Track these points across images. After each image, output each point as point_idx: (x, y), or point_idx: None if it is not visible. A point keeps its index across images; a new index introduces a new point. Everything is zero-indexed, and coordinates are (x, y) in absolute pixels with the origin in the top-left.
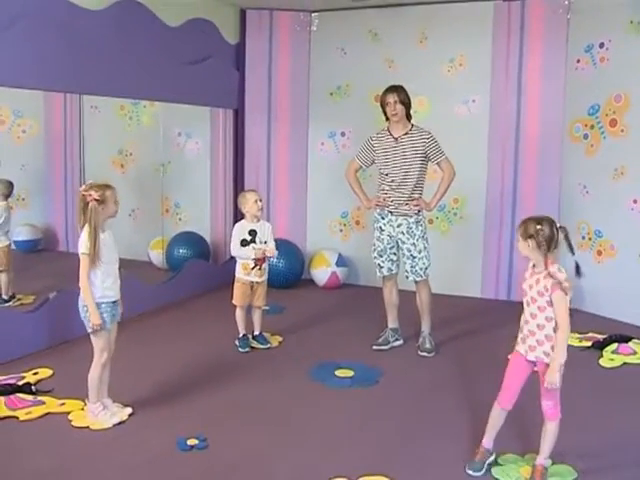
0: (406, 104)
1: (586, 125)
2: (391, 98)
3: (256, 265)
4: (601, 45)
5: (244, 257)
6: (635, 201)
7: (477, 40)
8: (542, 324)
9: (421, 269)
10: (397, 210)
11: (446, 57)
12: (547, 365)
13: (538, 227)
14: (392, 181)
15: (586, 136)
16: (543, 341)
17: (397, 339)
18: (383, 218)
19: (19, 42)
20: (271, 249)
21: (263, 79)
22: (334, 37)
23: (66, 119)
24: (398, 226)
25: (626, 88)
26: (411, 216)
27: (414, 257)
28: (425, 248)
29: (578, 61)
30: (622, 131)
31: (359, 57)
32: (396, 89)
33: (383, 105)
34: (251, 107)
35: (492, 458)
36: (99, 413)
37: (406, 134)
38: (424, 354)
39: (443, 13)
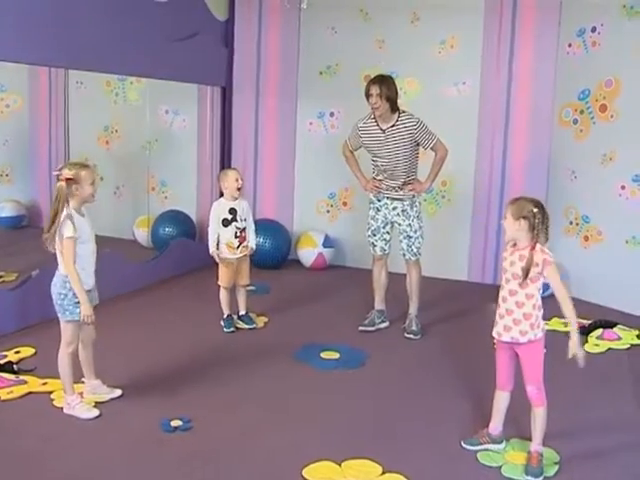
0: (391, 99)
1: (576, 110)
2: (373, 90)
3: (240, 244)
4: (593, 29)
5: (224, 239)
6: (623, 187)
7: (469, 22)
8: (521, 301)
9: (417, 248)
10: (391, 195)
11: (437, 38)
12: (526, 345)
13: (535, 210)
14: (384, 170)
15: (576, 121)
16: (520, 320)
17: (383, 321)
18: (379, 201)
19: (2, 14)
20: (251, 247)
21: (252, 57)
22: (324, 15)
23: (51, 94)
24: (393, 209)
25: (617, 73)
26: (405, 200)
27: (410, 237)
28: (420, 228)
29: (570, 45)
30: (612, 116)
31: (349, 36)
32: (381, 81)
33: (366, 95)
34: (239, 85)
35: (502, 446)
36: (75, 405)
37: (393, 125)
38: (410, 336)
39: None
